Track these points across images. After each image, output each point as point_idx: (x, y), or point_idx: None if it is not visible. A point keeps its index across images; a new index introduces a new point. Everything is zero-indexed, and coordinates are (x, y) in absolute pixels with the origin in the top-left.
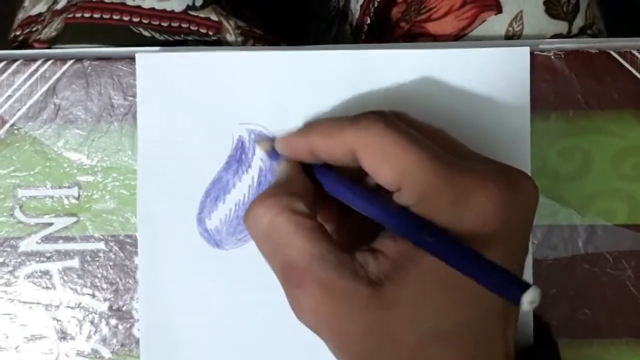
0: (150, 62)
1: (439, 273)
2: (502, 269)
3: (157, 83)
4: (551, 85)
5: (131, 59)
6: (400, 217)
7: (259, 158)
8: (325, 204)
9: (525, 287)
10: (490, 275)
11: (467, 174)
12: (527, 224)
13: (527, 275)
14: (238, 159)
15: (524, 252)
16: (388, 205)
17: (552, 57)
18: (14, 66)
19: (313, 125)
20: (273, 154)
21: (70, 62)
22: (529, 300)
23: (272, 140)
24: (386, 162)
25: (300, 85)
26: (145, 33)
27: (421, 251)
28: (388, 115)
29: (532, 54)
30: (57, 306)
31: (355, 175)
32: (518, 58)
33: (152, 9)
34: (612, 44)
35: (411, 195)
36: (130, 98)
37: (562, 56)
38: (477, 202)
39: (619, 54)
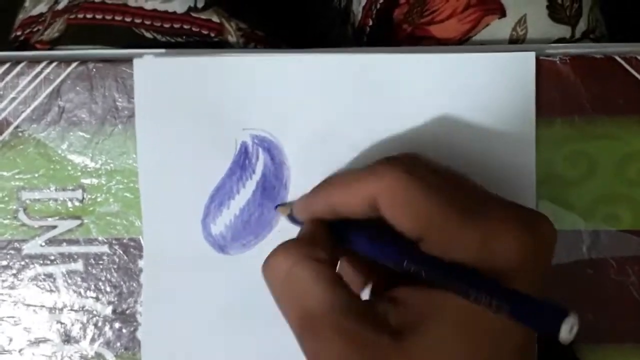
0: (149, 67)
1: (460, 321)
2: (538, 300)
3: (156, 88)
4: (556, 90)
5: None
6: (428, 264)
7: (262, 164)
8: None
9: (563, 314)
10: (526, 308)
11: (490, 219)
12: (546, 265)
13: None
14: (241, 165)
15: (541, 292)
16: (413, 254)
17: (558, 62)
18: (18, 68)
19: (329, 182)
20: (292, 217)
21: (74, 64)
22: (568, 327)
23: (291, 204)
24: (408, 211)
25: (304, 88)
26: (147, 34)
27: (442, 300)
28: (406, 162)
29: (537, 58)
30: (61, 309)
31: (375, 225)
32: (524, 63)
33: (154, 10)
34: (617, 49)
35: (435, 243)
36: (134, 100)
37: (568, 61)
38: (502, 246)
39: (624, 59)
